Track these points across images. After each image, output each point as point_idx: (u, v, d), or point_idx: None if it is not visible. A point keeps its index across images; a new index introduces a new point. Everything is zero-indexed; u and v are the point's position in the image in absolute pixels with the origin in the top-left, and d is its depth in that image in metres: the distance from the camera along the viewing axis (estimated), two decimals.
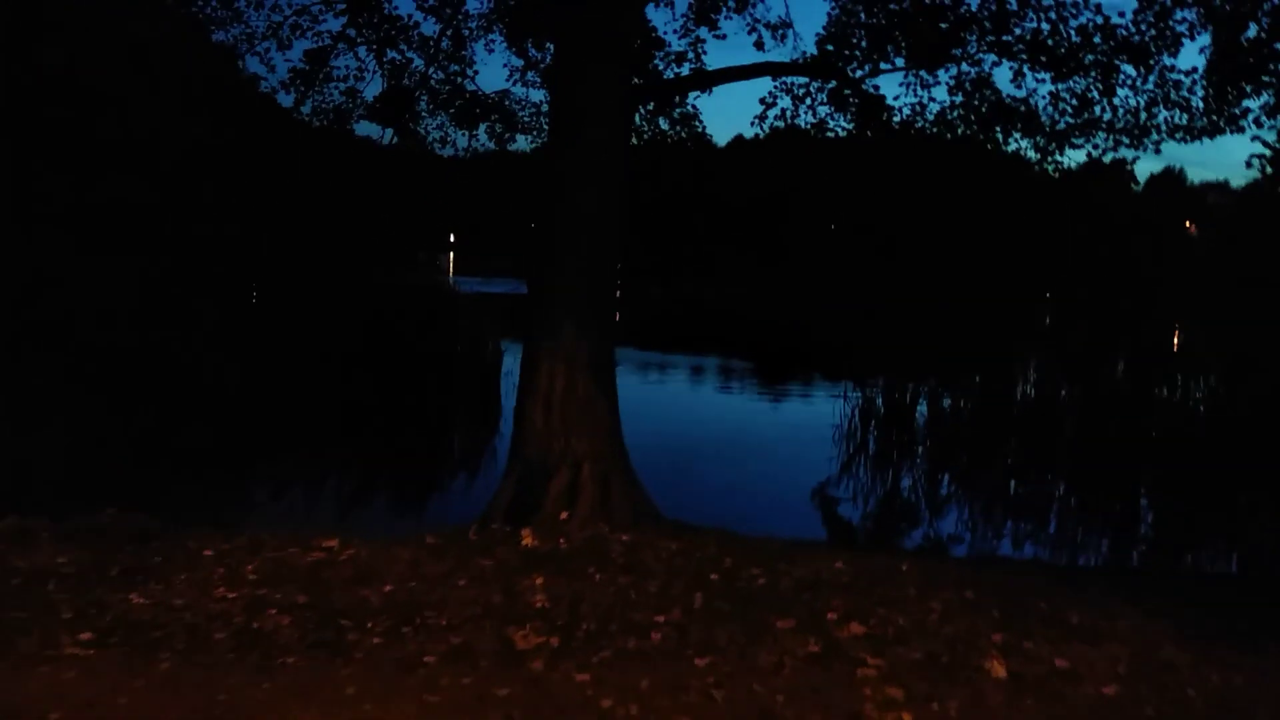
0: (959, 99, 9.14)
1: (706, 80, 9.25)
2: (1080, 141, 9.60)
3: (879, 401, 13.96)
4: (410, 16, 11.20)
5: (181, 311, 12.05)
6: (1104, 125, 9.30)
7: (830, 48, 9.09)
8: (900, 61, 8.98)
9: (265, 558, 5.95)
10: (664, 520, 6.84)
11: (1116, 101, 9.09)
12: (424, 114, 12.17)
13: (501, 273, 36.44)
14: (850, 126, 10.22)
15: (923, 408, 13.96)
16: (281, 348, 12.93)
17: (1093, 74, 8.88)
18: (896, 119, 9.42)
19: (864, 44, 8.97)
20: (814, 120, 9.90)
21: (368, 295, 15.35)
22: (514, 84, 14.44)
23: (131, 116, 10.80)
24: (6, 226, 10.23)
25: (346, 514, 9.01)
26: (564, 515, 6.36)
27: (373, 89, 30.38)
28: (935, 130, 9.64)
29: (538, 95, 12.01)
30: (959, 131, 9.57)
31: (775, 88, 9.66)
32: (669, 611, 4.99)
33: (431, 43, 11.14)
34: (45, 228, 10.32)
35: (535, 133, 12.45)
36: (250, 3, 10.66)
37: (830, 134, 10.15)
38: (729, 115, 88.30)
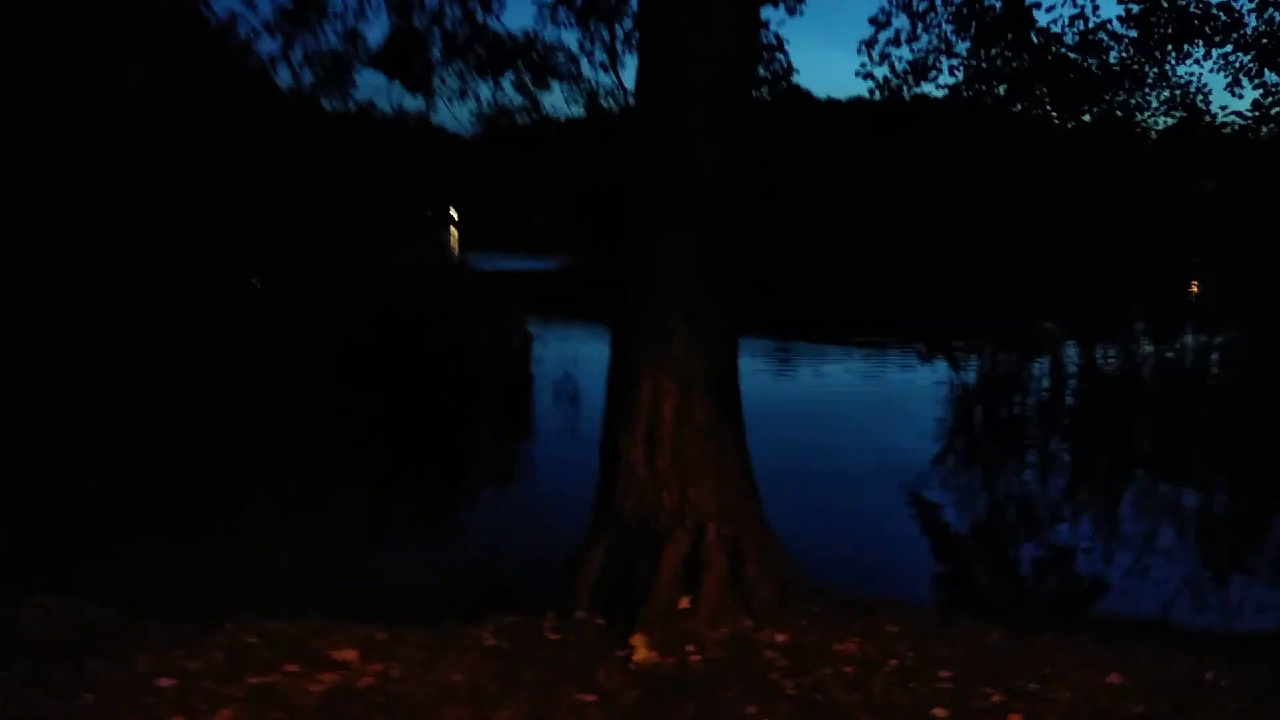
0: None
1: None
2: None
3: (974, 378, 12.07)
4: None
5: (170, 315, 10.10)
6: None
7: None
8: None
9: (250, 686, 3.99)
10: (813, 592, 4.86)
11: None
12: (438, 62, 10.13)
13: (513, 249, 34.05)
14: (960, 58, 8.31)
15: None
16: (281, 349, 10.88)
17: None
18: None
19: None
20: (930, 45, 7.90)
21: (375, 281, 13.28)
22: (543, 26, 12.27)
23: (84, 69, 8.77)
24: None
25: (359, 564, 7.00)
26: (684, 602, 4.38)
27: (376, 32, 27.71)
28: (1087, 48, 7.69)
29: (571, 37, 10.00)
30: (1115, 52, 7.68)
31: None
32: None
33: None
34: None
35: (571, 81, 10.40)
36: None
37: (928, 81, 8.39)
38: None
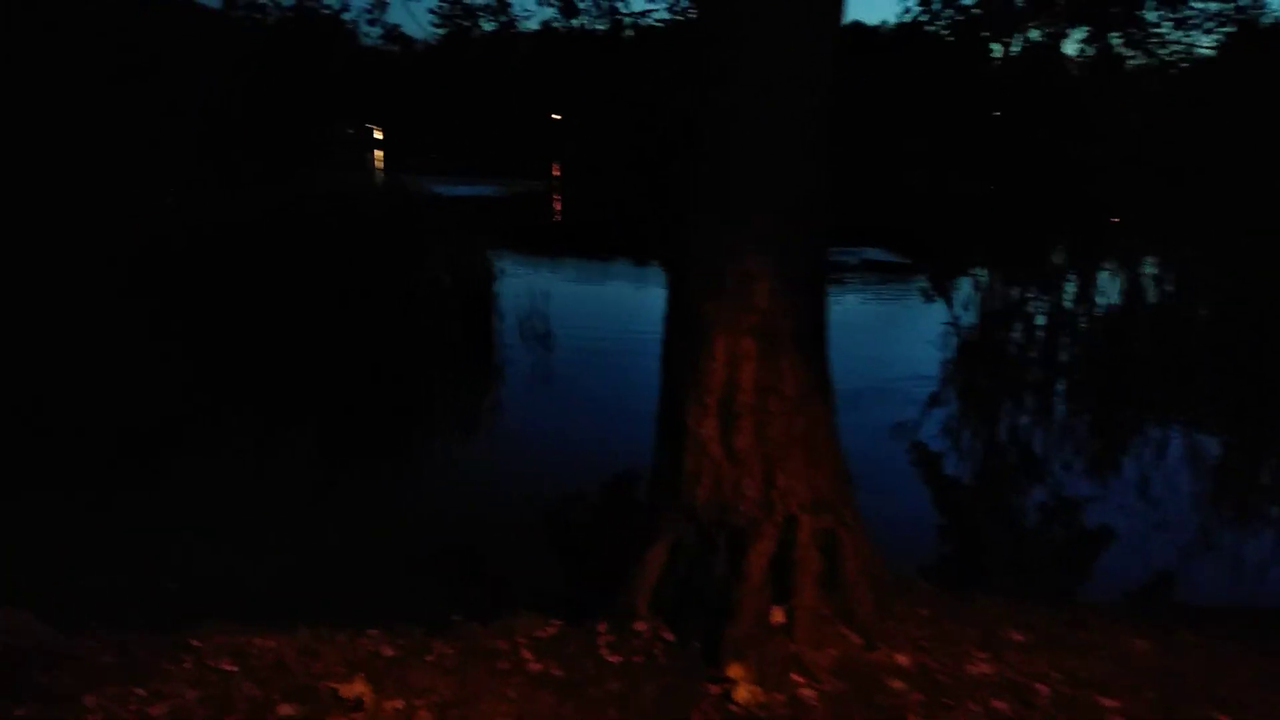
0: None
1: None
2: None
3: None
4: None
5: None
6: None
7: None
8: None
9: None
10: (901, 585, 4.08)
11: None
12: None
13: (444, 172, 32.14)
14: None
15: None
16: (199, 286, 9.55)
17: None
18: None
19: None
20: None
21: (305, 207, 11.91)
22: None
23: None
24: None
25: (310, 536, 5.97)
26: (777, 615, 3.54)
27: None
28: None
29: None
30: None
31: None
32: None
33: None
34: None
35: None
36: None
37: None
38: None
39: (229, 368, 8.98)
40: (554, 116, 44.69)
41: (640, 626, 3.70)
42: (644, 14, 9.72)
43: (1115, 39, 8.98)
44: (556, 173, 44.49)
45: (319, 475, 7.07)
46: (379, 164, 36.05)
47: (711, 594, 3.63)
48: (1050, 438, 9.60)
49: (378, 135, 45.38)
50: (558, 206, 35.03)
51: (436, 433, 8.83)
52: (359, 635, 3.97)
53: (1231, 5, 9.21)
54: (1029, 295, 12.54)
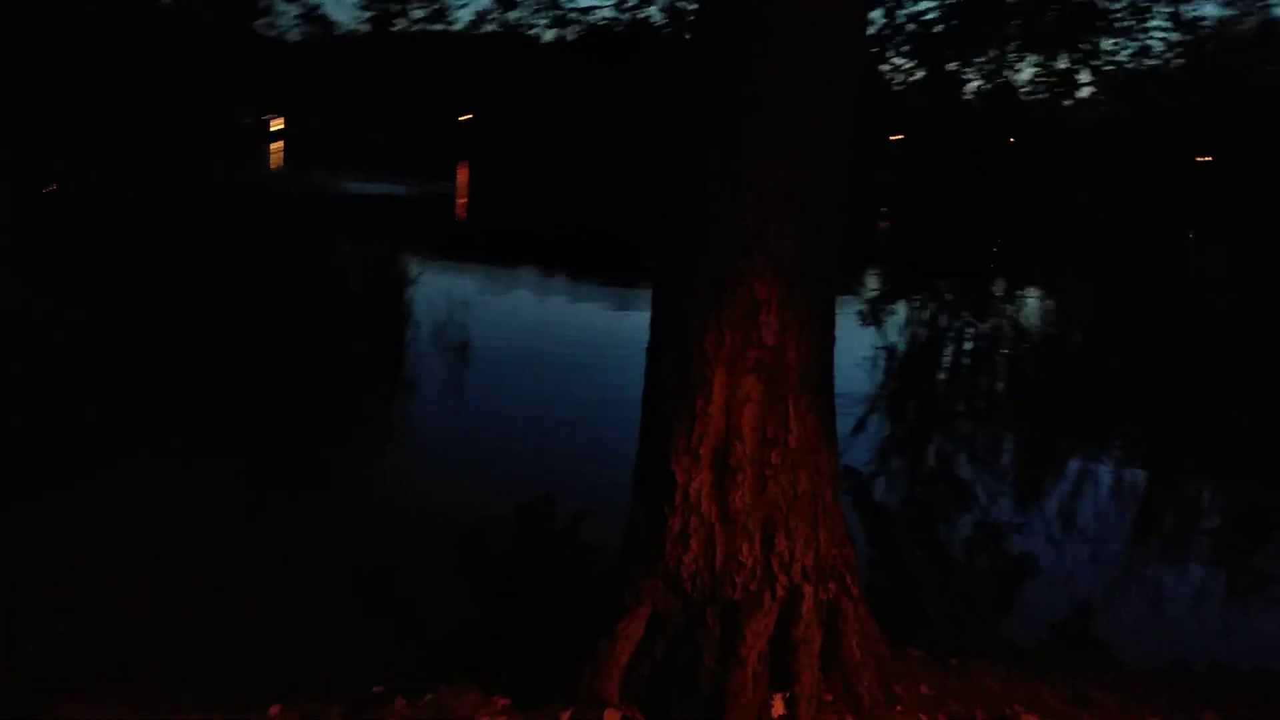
0: None
1: None
2: None
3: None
4: None
5: None
6: None
7: None
8: None
9: None
10: (898, 658, 3.62)
11: None
12: None
13: (356, 168, 30.68)
14: None
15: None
16: (66, 290, 8.43)
17: None
18: None
19: None
20: None
21: (202, 207, 10.85)
22: None
23: None
24: None
25: (230, 600, 5.19)
26: (778, 707, 3.03)
27: None
28: None
29: None
30: None
31: None
32: None
33: None
34: None
35: None
36: None
37: None
38: None
39: (97, 385, 7.85)
40: (464, 117, 43.71)
41: (611, 716, 3.14)
42: (589, 10, 9.15)
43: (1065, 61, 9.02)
44: (464, 176, 43.46)
45: (214, 504, 6.24)
46: (278, 158, 34.40)
47: (699, 679, 3.10)
48: (976, 464, 9.44)
49: (276, 126, 43.39)
50: (462, 210, 34.05)
51: (345, 454, 8.04)
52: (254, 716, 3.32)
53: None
54: (954, 321, 12.48)
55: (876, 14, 8.71)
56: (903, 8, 9.09)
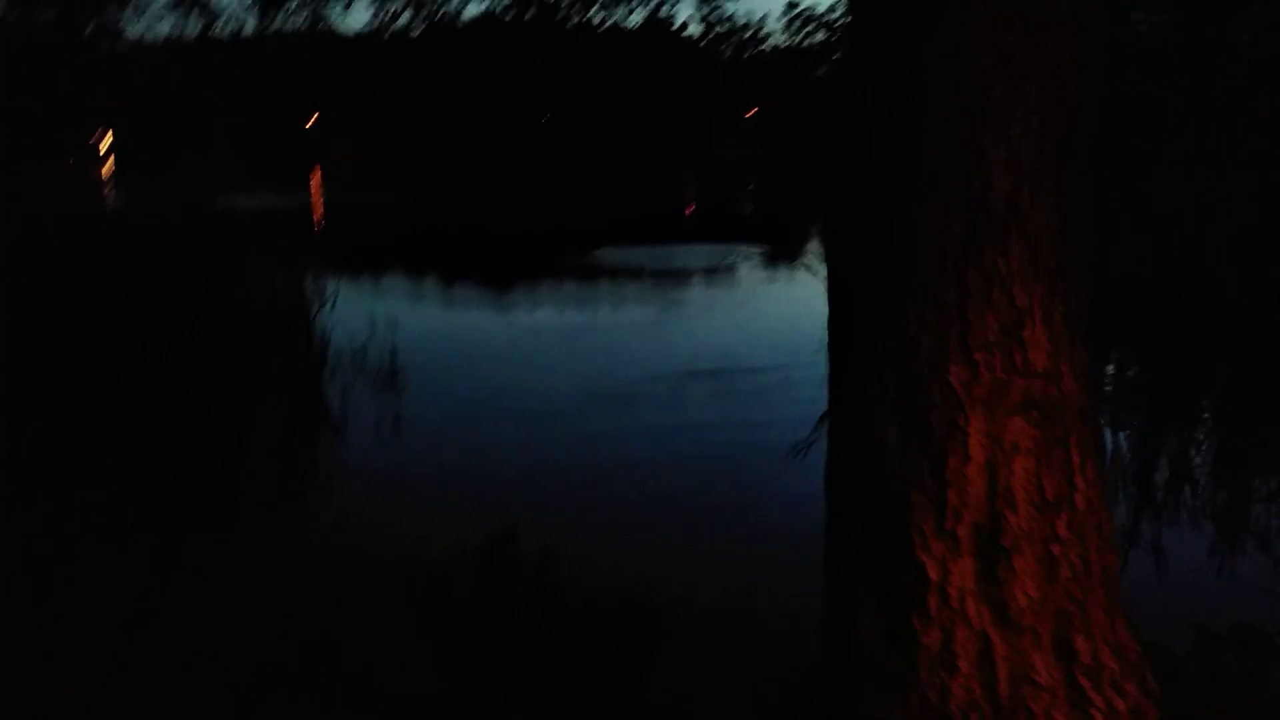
0: None
1: None
2: None
3: None
4: None
5: None
6: None
7: None
8: None
9: None
10: None
11: None
12: None
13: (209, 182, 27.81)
14: None
15: None
16: None
17: None
18: None
19: None
20: None
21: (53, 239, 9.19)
22: None
23: None
24: None
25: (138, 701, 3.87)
26: None
27: None
28: None
29: None
30: None
31: None
32: None
33: None
34: None
35: None
36: None
37: None
38: None
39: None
40: (310, 120, 41.19)
41: None
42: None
43: None
44: (317, 182, 40.93)
45: (109, 573, 4.84)
46: (108, 175, 31.45)
47: None
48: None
49: (104, 144, 39.61)
50: (318, 218, 31.76)
51: (260, 506, 6.65)
52: None
53: None
54: None
55: None
56: None
